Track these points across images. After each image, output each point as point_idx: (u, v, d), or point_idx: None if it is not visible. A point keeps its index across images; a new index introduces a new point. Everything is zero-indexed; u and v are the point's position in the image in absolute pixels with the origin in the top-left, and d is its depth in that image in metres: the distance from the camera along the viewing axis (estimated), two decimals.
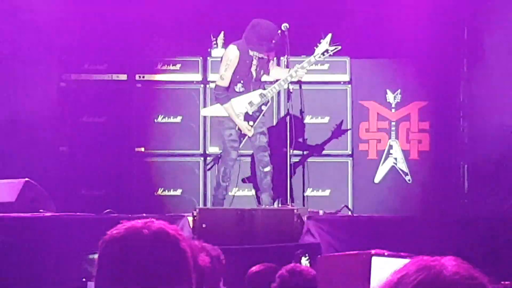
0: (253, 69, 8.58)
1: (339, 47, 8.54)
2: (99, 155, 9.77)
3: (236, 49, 8.31)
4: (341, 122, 9.71)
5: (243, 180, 9.43)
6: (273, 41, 8.35)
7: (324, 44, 8.51)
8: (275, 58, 8.79)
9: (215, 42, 9.60)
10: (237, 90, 8.60)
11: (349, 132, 9.72)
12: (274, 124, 9.30)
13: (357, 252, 4.95)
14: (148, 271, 2.48)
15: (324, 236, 7.81)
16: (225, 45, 9.05)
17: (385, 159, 9.90)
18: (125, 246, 2.51)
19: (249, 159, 9.17)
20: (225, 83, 8.49)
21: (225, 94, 8.43)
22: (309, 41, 9.03)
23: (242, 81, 8.58)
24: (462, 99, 10.19)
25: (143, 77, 9.89)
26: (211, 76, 9.53)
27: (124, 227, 2.53)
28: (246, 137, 8.61)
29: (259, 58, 8.58)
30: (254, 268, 5.49)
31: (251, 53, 8.44)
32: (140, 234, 2.51)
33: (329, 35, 8.52)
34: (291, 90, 8.60)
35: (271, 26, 8.37)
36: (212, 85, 9.11)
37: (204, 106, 9.73)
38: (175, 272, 2.54)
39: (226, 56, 8.43)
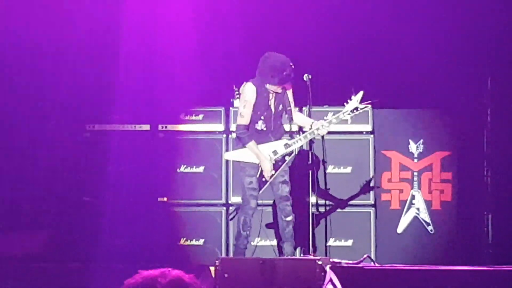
0: (271, 103, 8.47)
1: (369, 106, 8.50)
2: (122, 205, 9.65)
3: (252, 85, 8.23)
4: (370, 179, 9.71)
5: (267, 226, 9.25)
6: (285, 73, 8.24)
7: (355, 101, 8.45)
8: (296, 108, 8.63)
9: (237, 92, 9.38)
10: (258, 128, 8.42)
11: (371, 182, 9.59)
12: (297, 172, 9.03)
13: None
14: None
15: (346, 286, 7.44)
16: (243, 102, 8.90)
17: (408, 209, 9.72)
18: None
19: (270, 208, 9.01)
20: (245, 120, 8.35)
21: (247, 133, 8.34)
22: (332, 91, 9.12)
23: (262, 118, 8.44)
24: (485, 149, 10.05)
25: (166, 127, 9.85)
26: (233, 126, 9.29)
27: (141, 276, 2.58)
28: (266, 185, 8.42)
29: (275, 93, 8.46)
30: None
31: (266, 86, 8.34)
32: (156, 283, 2.55)
33: (361, 93, 8.47)
34: (313, 140, 8.46)
35: (282, 57, 8.28)
36: (234, 135, 8.90)
37: (222, 156, 9.68)
38: None
39: (243, 94, 8.39)
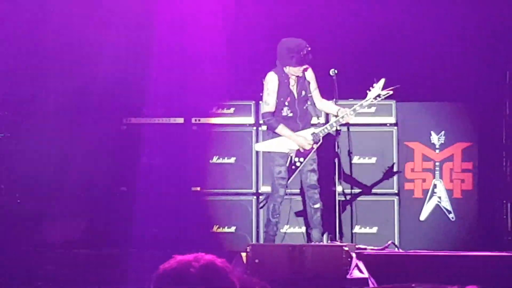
0: (293, 88, 8.59)
1: (391, 92, 8.52)
2: (157, 194, 9.88)
3: (274, 74, 8.42)
4: (392, 165, 9.80)
5: (296, 214, 9.47)
6: (302, 53, 8.39)
7: (377, 89, 8.56)
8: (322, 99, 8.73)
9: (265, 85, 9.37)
10: (284, 114, 8.57)
11: (394, 169, 9.75)
12: (323, 161, 9.06)
13: (399, 285, 5.08)
14: None
15: (371, 271, 7.78)
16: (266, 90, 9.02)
17: (430, 197, 9.80)
18: (176, 278, 2.65)
19: (299, 197, 9.17)
20: (270, 107, 8.52)
21: (273, 118, 8.49)
22: (357, 85, 9.12)
23: (287, 103, 8.55)
24: (505, 140, 10.11)
25: (199, 120, 10.03)
26: (261, 119, 9.41)
27: (175, 261, 2.68)
28: (295, 174, 8.58)
29: (296, 77, 8.55)
30: None
31: (286, 70, 8.46)
32: (190, 267, 2.66)
33: (382, 80, 8.55)
34: (339, 132, 8.62)
35: (298, 40, 8.47)
36: (264, 127, 9.13)
37: (253, 148, 9.88)
38: None
39: (266, 82, 8.53)
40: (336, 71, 8.50)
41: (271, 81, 8.50)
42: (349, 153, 9.16)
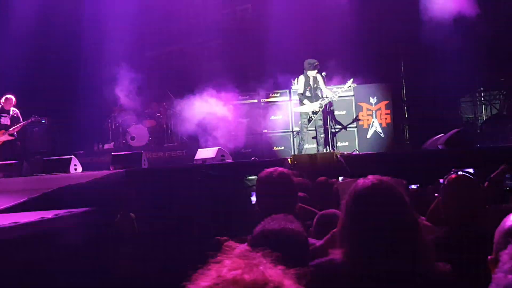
0: (311, 82, 11.72)
1: (354, 85, 12.08)
2: (243, 134, 14.09)
3: (302, 75, 11.78)
4: (356, 116, 13.60)
5: (313, 138, 12.48)
6: (314, 65, 11.62)
7: (349, 82, 12.06)
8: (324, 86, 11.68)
9: (293, 82, 13.67)
10: (307, 94, 11.76)
11: (356, 117, 13.67)
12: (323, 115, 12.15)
13: (350, 179, 5.79)
14: (275, 193, 3.32)
15: (347, 162, 9.96)
16: (298, 82, 12.22)
17: (371, 127, 13.75)
18: (265, 177, 3.41)
19: (313, 133, 12.53)
20: (300, 90, 11.82)
21: (302, 96, 11.61)
22: (341, 77, 13.15)
23: (308, 89, 11.73)
24: (403, 98, 14.24)
25: (264, 101, 14.57)
26: (293, 98, 14.00)
27: (265, 171, 3.44)
28: (312, 121, 11.76)
29: (312, 77, 11.60)
30: (320, 179, 6.67)
31: (307, 73, 11.57)
32: (272, 174, 3.39)
33: (351, 80, 12.02)
34: (331, 102, 12.43)
35: (312, 60, 11.63)
36: (294, 100, 13.43)
37: (290, 111, 13.91)
38: (290, 191, 3.42)
39: (299, 79, 11.82)
40: (325, 73, 12.07)
41: (301, 78, 11.94)
42: (333, 111, 13.39)
